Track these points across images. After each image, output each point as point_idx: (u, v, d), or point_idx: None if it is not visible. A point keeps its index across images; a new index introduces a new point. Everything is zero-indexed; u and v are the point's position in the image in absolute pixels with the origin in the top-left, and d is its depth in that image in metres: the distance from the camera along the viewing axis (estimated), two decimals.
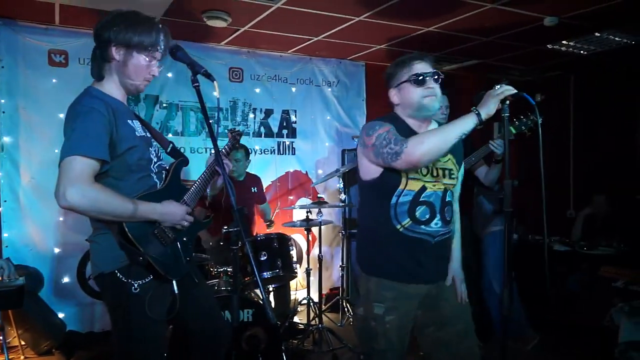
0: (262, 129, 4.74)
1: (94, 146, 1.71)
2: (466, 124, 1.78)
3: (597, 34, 4.23)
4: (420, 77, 1.93)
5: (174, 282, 1.97)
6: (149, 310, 1.84)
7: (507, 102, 1.76)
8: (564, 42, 4.49)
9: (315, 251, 4.20)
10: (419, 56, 1.99)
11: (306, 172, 4.96)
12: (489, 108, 1.76)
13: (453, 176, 2.04)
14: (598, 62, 5.12)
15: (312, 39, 4.35)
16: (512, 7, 3.52)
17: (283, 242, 3.25)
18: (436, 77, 1.96)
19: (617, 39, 4.37)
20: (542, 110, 1.91)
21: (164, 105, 4.28)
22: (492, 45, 4.54)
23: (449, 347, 2.03)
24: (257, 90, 4.72)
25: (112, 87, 1.90)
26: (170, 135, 4.28)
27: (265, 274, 3.05)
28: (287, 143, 4.87)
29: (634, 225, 4.63)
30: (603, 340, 2.90)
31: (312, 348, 3.51)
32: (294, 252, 3.34)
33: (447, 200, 2.00)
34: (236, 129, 2.51)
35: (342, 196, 3.95)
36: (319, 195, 3.96)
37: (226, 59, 4.53)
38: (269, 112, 4.78)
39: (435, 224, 1.96)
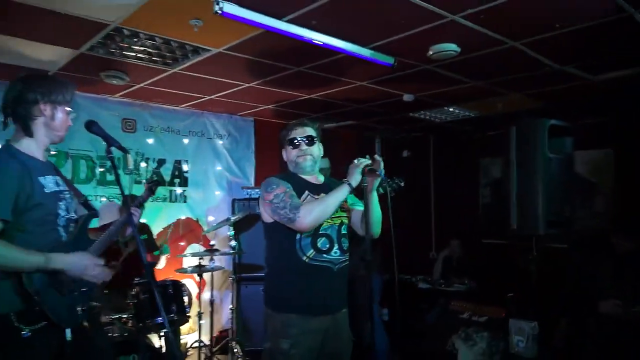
0: (154, 177, 4.92)
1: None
2: (342, 193, 2.27)
3: (445, 108, 5.16)
4: (294, 141, 2.42)
5: (67, 330, 2.14)
6: (36, 356, 1.98)
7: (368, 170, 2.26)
8: (421, 112, 5.37)
9: (205, 295, 4.43)
10: (299, 123, 2.48)
11: (197, 219, 5.20)
12: (355, 179, 2.26)
13: (343, 209, 2.45)
14: (450, 127, 6.13)
15: (205, 97, 4.72)
16: (377, 85, 4.24)
17: (177, 288, 3.47)
18: (306, 140, 2.43)
19: (460, 111, 5.35)
20: (409, 165, 2.44)
21: (53, 152, 4.31)
22: (364, 111, 5.27)
23: None
24: (150, 140, 4.92)
25: (31, 144, 2.10)
26: None
27: (159, 319, 3.24)
28: (179, 191, 5.10)
29: (481, 265, 5.52)
30: None
31: None
32: (186, 298, 3.57)
33: (342, 232, 2.44)
34: (153, 179, 2.72)
35: (233, 243, 4.26)
36: (211, 243, 4.23)
37: (119, 110, 4.70)
38: (161, 162, 4.99)
39: (335, 252, 2.37)
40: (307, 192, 2.42)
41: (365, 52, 3.27)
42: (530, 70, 3.73)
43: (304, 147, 2.44)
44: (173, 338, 2.00)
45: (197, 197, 5.22)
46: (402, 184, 2.39)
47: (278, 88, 4.35)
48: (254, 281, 4.84)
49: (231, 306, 4.38)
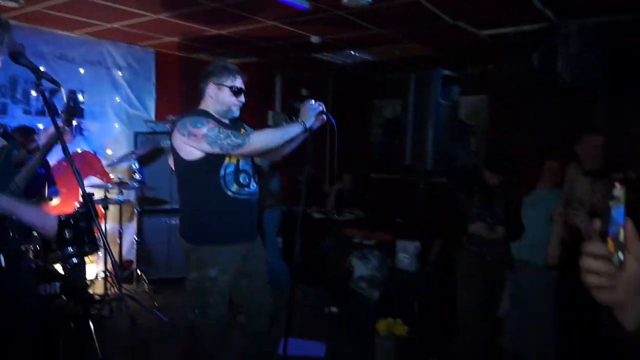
0: (46, 108, 4.62)
1: None
2: (295, 131, 2.43)
3: (347, 51, 5.44)
4: (238, 89, 2.53)
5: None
6: None
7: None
8: (324, 53, 5.60)
9: (108, 227, 4.44)
10: (239, 71, 2.57)
11: (95, 152, 5.04)
12: (310, 121, 2.45)
13: None
14: (348, 70, 6.46)
15: (105, 25, 4.47)
16: (288, 26, 4.36)
17: (87, 219, 3.47)
18: (244, 94, 2.57)
19: (359, 55, 5.68)
20: None
21: None
22: (269, 49, 5.36)
23: (255, 295, 2.64)
24: (41, 68, 4.56)
25: None
26: None
27: (69, 249, 3.25)
28: (75, 123, 4.84)
29: (370, 197, 6.11)
30: (346, 278, 4.00)
31: (112, 315, 3.83)
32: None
33: (254, 167, 2.64)
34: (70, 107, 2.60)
35: (137, 176, 4.25)
36: (120, 176, 4.18)
37: None
38: (53, 92, 4.67)
39: (252, 186, 2.57)
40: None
41: None
42: (429, 23, 4.11)
43: (242, 98, 2.56)
44: (83, 268, 2.10)
45: (95, 130, 5.02)
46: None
47: (187, 22, 4.27)
48: (156, 213, 4.92)
49: (136, 238, 4.43)
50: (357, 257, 3.83)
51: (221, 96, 2.54)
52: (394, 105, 6.36)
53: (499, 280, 3.42)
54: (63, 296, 3.06)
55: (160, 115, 5.48)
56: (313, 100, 2.56)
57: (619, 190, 0.78)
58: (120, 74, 5.20)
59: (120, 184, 4.01)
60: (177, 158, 2.51)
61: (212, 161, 2.47)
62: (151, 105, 5.49)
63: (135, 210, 4.30)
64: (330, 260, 4.38)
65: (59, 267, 3.43)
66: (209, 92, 2.55)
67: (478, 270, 3.38)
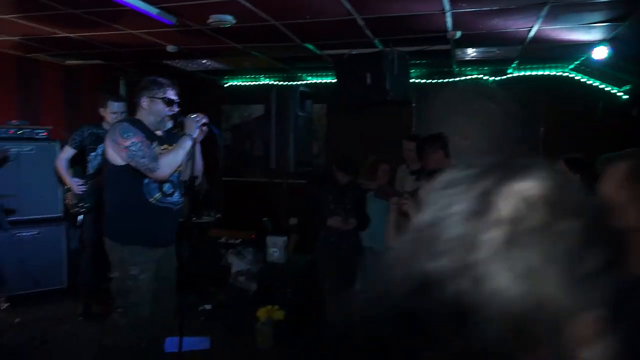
0: None
1: None
2: (187, 145, 2.73)
3: (199, 60, 5.69)
4: (172, 101, 2.76)
5: None
6: None
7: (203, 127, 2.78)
8: (176, 61, 5.75)
9: None
10: (172, 84, 2.81)
11: None
12: (195, 132, 2.74)
13: None
14: (196, 76, 6.68)
15: None
16: (146, 35, 4.47)
17: None
18: (178, 105, 2.81)
19: (210, 63, 5.97)
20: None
21: None
22: (120, 54, 5.32)
23: (161, 298, 2.86)
24: None
25: None
26: None
27: None
28: None
29: (225, 198, 6.43)
30: (224, 275, 4.33)
31: None
32: None
33: (180, 178, 2.85)
34: None
35: None
36: None
37: None
38: None
39: (176, 196, 2.78)
40: (155, 143, 2.76)
41: (153, 10, 3.55)
42: (281, 42, 4.64)
43: (175, 108, 2.77)
44: None
45: None
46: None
47: (37, 24, 4.09)
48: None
49: None
50: (234, 255, 4.19)
51: (154, 108, 2.75)
52: (240, 111, 6.77)
53: (353, 265, 4.12)
54: None
55: None
56: (195, 114, 2.91)
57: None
58: None
59: None
60: (106, 161, 2.66)
61: (137, 170, 2.65)
62: None
63: None
64: (203, 261, 4.63)
65: None
66: (142, 104, 2.74)
67: (335, 257, 4.03)
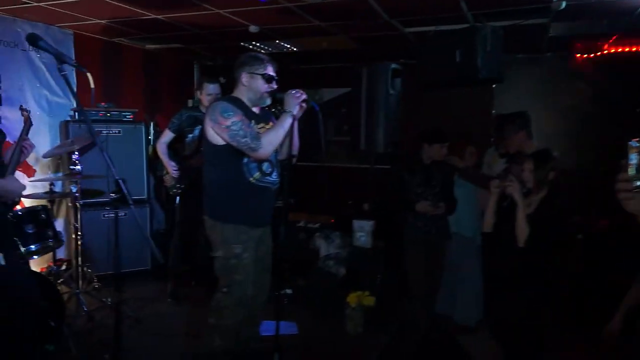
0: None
1: None
2: (288, 123, 2.63)
3: (277, 41, 5.59)
4: (271, 78, 2.68)
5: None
6: None
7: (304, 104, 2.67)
8: (253, 42, 5.69)
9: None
10: (272, 60, 2.72)
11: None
12: (296, 109, 2.63)
13: None
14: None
15: (31, 3, 4.11)
16: (232, 15, 4.41)
17: (47, 212, 3.27)
18: (276, 82, 2.72)
19: (288, 45, 5.86)
20: (224, 92, 2.83)
21: None
22: (199, 37, 5.31)
23: (259, 278, 2.82)
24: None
25: None
26: None
27: (33, 246, 3.05)
28: None
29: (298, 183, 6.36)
30: (312, 258, 4.25)
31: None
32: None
33: (277, 158, 2.78)
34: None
35: (78, 167, 4.02)
36: (77, 168, 3.88)
37: None
38: None
39: (274, 175, 2.72)
40: (253, 122, 2.68)
41: None
42: (366, 19, 4.45)
43: (274, 85, 2.69)
44: (152, 242, 2.06)
45: (13, 118, 4.57)
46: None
47: (129, 4, 4.11)
48: (93, 207, 4.68)
49: (79, 233, 4.18)
50: (322, 238, 4.10)
51: (254, 84, 2.68)
52: (312, 95, 6.64)
53: (441, 251, 3.91)
54: None
55: (81, 103, 5.15)
56: (294, 90, 2.78)
57: (635, 143, 1.24)
58: (38, 56, 4.79)
59: (68, 176, 3.78)
60: (205, 140, 2.62)
61: (237, 148, 2.58)
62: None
63: (78, 204, 4.05)
64: (291, 244, 4.56)
65: None
66: (242, 80, 2.68)
67: (423, 243, 3.83)
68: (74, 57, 5.14)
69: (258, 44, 5.75)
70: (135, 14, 4.45)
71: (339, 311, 3.74)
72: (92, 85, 2.01)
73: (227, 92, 2.88)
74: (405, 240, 3.89)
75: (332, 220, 4.85)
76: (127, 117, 4.93)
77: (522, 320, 2.74)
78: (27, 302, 2.34)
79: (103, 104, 4.85)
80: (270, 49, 5.98)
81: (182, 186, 4.24)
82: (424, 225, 3.84)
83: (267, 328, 3.38)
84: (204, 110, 4.26)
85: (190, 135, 4.29)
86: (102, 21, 4.73)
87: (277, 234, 3.03)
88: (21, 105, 2.78)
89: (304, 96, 2.73)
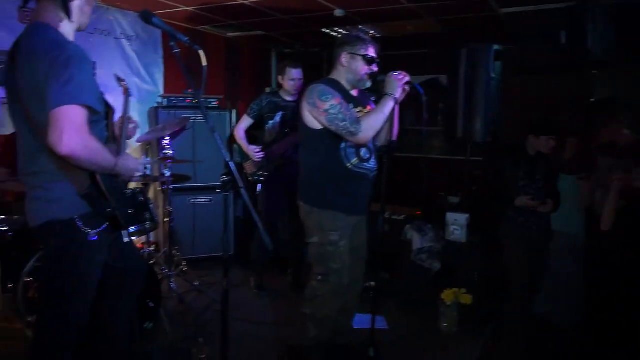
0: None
1: (92, 97, 1.73)
2: (390, 106, 2.47)
3: (359, 26, 5.42)
4: (373, 59, 2.53)
5: (124, 231, 2.07)
6: (98, 256, 1.95)
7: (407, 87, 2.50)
8: (335, 28, 5.55)
9: None
10: (373, 41, 2.58)
11: None
12: (398, 92, 2.47)
13: None
14: None
15: None
16: None
17: (145, 195, 3.31)
18: (377, 65, 2.59)
19: (368, 31, 5.67)
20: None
21: None
22: (284, 22, 5.24)
23: (354, 269, 2.69)
24: None
25: (69, 30, 1.86)
26: None
27: (132, 228, 3.07)
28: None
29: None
30: (400, 249, 4.08)
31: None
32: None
33: (375, 144, 2.65)
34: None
35: (170, 152, 4.06)
36: (169, 152, 3.95)
37: None
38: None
39: (372, 162, 2.59)
40: (351, 105, 2.55)
41: None
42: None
43: (374, 67, 2.55)
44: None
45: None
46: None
47: None
48: (182, 191, 4.75)
49: (170, 216, 4.21)
50: (414, 230, 3.92)
51: (354, 65, 2.55)
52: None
53: (542, 249, 3.60)
54: None
55: (168, 90, 5.25)
56: (397, 72, 2.60)
57: None
58: (129, 44, 4.90)
59: (161, 160, 3.82)
60: (302, 124, 2.53)
61: (335, 133, 2.47)
62: (160, 78, 5.23)
63: (168, 189, 4.10)
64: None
65: None
66: (341, 61, 2.55)
67: (524, 239, 3.54)
68: (162, 46, 5.25)
69: (340, 30, 5.61)
70: (222, 0, 4.43)
71: (432, 308, 3.55)
72: (205, 63, 1.90)
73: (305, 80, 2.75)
74: (503, 236, 3.61)
75: (418, 213, 4.63)
76: (213, 103, 4.95)
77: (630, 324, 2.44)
78: (140, 280, 2.34)
79: (190, 90, 4.90)
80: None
81: (266, 173, 4.17)
82: (525, 221, 3.54)
83: (358, 321, 3.27)
84: (284, 96, 4.18)
85: (271, 122, 4.21)
86: (190, 8, 4.76)
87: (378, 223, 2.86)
88: (117, 76, 2.74)
89: (407, 78, 2.56)
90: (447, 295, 3.41)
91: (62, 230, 1.84)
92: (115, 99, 4.68)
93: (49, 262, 1.95)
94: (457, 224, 3.76)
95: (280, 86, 4.25)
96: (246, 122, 4.20)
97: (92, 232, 1.86)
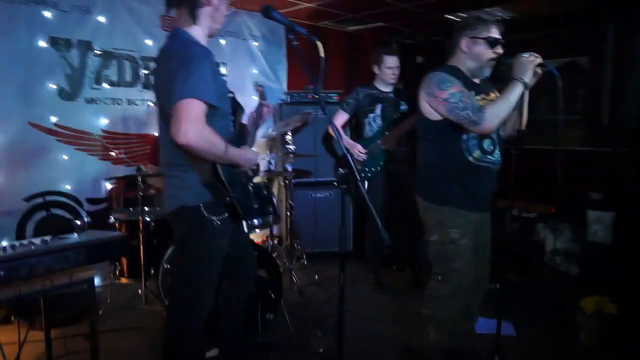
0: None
1: (210, 92, 1.83)
2: (518, 92, 2.23)
3: (485, 9, 5.05)
4: (496, 42, 2.33)
5: (243, 222, 2.16)
6: (221, 242, 2.05)
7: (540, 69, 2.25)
8: (458, 13, 5.25)
9: None
10: (497, 22, 2.37)
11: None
12: (529, 76, 2.24)
13: None
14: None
15: None
16: None
17: (268, 188, 3.46)
18: (502, 46, 2.35)
19: (495, 12, 5.26)
20: (424, 71, 2.43)
21: (98, 52, 3.97)
22: (405, 11, 5.09)
23: (477, 267, 2.52)
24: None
25: (199, 34, 1.98)
26: (106, 85, 4.03)
27: (256, 221, 3.23)
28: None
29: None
30: (532, 250, 3.77)
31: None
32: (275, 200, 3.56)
33: (500, 134, 2.47)
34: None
35: (292, 147, 4.17)
36: (291, 147, 4.11)
37: (157, 5, 4.30)
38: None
39: (496, 154, 2.42)
40: (473, 93, 2.38)
41: None
42: None
43: (499, 49, 2.37)
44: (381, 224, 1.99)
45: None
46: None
47: None
48: (303, 186, 4.87)
49: (292, 211, 4.33)
50: (548, 229, 3.58)
51: (475, 50, 2.37)
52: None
53: None
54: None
55: (291, 86, 5.42)
56: (528, 53, 2.33)
57: None
58: (255, 44, 5.14)
59: (285, 155, 3.95)
60: (420, 115, 2.43)
61: (455, 123, 2.32)
62: (283, 75, 5.42)
63: (291, 183, 4.23)
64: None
65: None
66: (462, 46, 2.40)
67: None
68: (285, 44, 5.42)
69: (465, 15, 5.29)
70: None
71: (568, 316, 3.19)
72: (322, 54, 1.88)
73: (426, 72, 2.53)
74: None
75: (553, 210, 4.20)
76: (333, 98, 4.99)
77: None
78: (253, 273, 2.45)
79: (311, 86, 4.99)
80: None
81: (373, 169, 3.96)
82: None
83: (483, 325, 3.06)
84: (380, 87, 4.01)
85: (372, 115, 4.01)
86: (311, 4, 4.84)
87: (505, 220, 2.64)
88: (256, 82, 2.94)
89: (539, 60, 2.28)
90: (588, 303, 3.03)
91: (191, 216, 1.98)
92: (241, 97, 4.99)
93: (179, 246, 2.11)
94: (600, 223, 3.34)
95: (373, 77, 4.06)
96: (342, 117, 4.05)
97: (215, 219, 1.97)
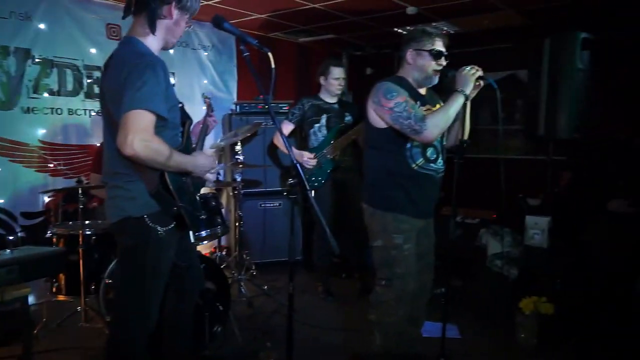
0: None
1: (161, 104, 1.81)
2: (459, 103, 2.34)
3: (433, 23, 5.24)
4: (440, 54, 2.41)
5: (190, 232, 2.14)
6: (167, 253, 2.02)
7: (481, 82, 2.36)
8: (407, 27, 5.42)
9: None
10: (441, 35, 2.46)
11: None
12: (469, 87, 2.34)
13: None
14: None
15: (202, 3, 4.35)
16: None
17: (217, 199, 3.42)
18: (446, 59, 2.45)
19: (443, 27, 5.47)
20: (372, 82, 2.53)
21: (37, 60, 3.82)
22: (355, 24, 5.20)
23: (420, 274, 2.57)
24: None
25: (153, 45, 1.96)
26: (46, 94, 3.89)
27: (203, 232, 3.18)
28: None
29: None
30: (474, 255, 3.90)
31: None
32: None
33: (443, 143, 2.55)
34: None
35: (241, 157, 4.15)
36: (237, 157, 4.07)
37: (104, 14, 4.20)
38: None
39: (439, 162, 2.50)
40: (418, 103, 2.45)
41: None
42: None
43: (442, 62, 2.45)
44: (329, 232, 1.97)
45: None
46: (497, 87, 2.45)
47: None
48: (252, 196, 4.84)
49: (241, 221, 4.31)
50: (490, 234, 3.72)
51: (420, 62, 2.45)
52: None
53: (636, 255, 3.27)
54: None
55: (242, 97, 5.40)
56: (469, 67, 2.45)
57: None
58: (205, 54, 5.11)
59: (234, 165, 3.93)
60: (368, 123, 2.48)
61: (400, 132, 2.39)
62: (233, 86, 5.40)
63: (240, 194, 4.20)
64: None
65: None
66: (407, 58, 2.48)
67: (615, 246, 3.25)
68: (235, 54, 5.42)
69: (412, 29, 5.46)
70: (294, 5, 4.47)
71: (509, 318, 3.32)
72: (273, 65, 1.90)
73: (374, 83, 2.61)
74: (593, 241, 3.33)
75: (494, 216, 4.38)
76: (283, 108, 5.02)
77: None
78: (200, 283, 2.41)
79: (261, 96, 5.00)
80: None
81: (319, 178, 4.01)
82: (616, 226, 3.24)
83: (429, 329, 3.13)
84: (325, 98, 4.08)
85: (317, 125, 4.06)
86: (263, 16, 4.86)
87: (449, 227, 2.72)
88: (203, 94, 2.94)
89: (480, 73, 2.40)
90: (526, 305, 3.17)
91: (134, 227, 1.94)
92: (190, 107, 4.93)
93: (123, 258, 2.05)
94: (537, 227, 3.51)
95: (319, 88, 4.14)
96: (288, 127, 4.10)
97: (160, 229, 1.94)
